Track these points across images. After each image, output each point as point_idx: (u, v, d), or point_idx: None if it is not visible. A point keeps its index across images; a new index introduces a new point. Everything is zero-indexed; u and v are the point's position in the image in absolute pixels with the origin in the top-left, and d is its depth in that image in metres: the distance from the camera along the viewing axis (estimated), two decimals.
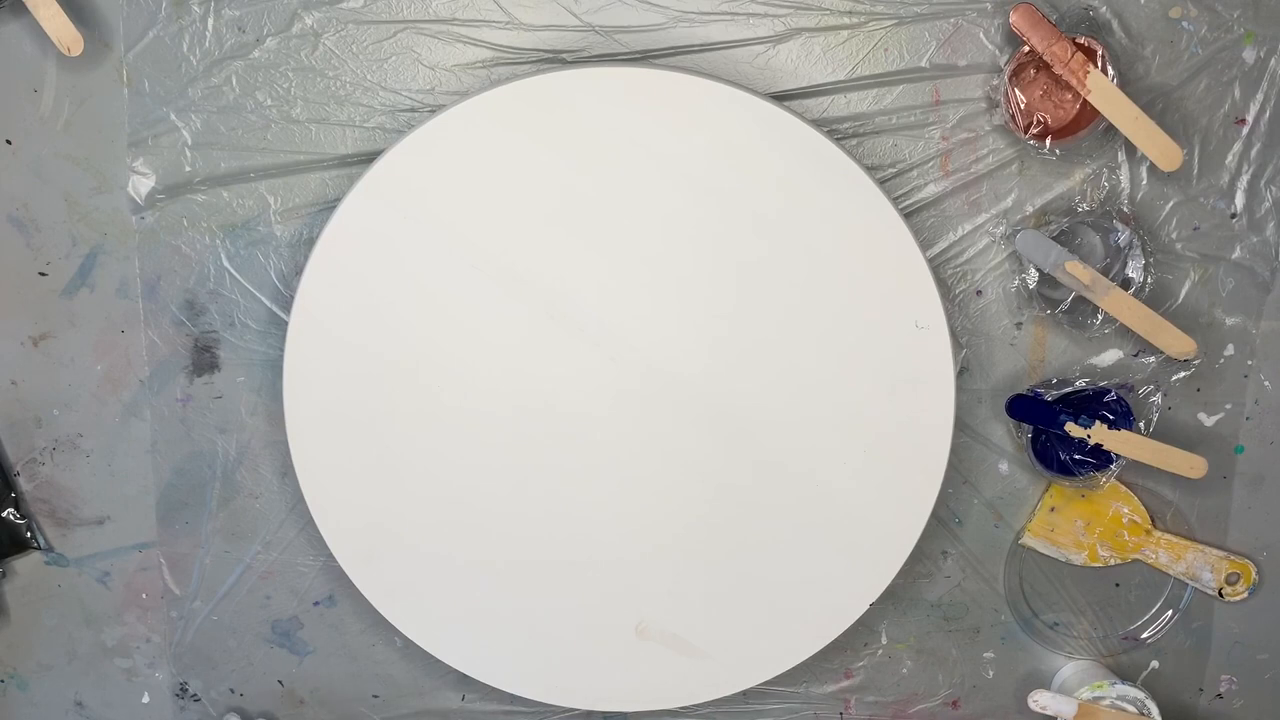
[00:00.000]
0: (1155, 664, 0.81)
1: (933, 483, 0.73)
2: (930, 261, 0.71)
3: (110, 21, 0.72)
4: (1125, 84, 0.70)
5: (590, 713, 0.81)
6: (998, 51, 0.72)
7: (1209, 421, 0.77)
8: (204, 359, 0.77)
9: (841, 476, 0.73)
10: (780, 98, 0.72)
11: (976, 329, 0.75)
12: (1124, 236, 0.72)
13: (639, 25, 0.72)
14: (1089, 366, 0.76)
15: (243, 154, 0.74)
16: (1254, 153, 0.73)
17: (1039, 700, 0.75)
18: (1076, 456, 0.75)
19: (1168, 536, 0.78)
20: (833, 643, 0.76)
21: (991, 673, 0.81)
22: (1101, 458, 0.75)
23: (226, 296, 0.76)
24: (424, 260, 0.70)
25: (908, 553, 0.74)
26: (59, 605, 0.81)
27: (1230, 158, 0.73)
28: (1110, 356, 0.75)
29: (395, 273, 0.70)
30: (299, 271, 0.73)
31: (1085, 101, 0.69)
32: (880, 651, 0.81)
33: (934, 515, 0.73)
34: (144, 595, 0.81)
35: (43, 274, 0.76)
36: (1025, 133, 0.70)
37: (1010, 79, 0.70)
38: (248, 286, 0.76)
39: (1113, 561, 0.78)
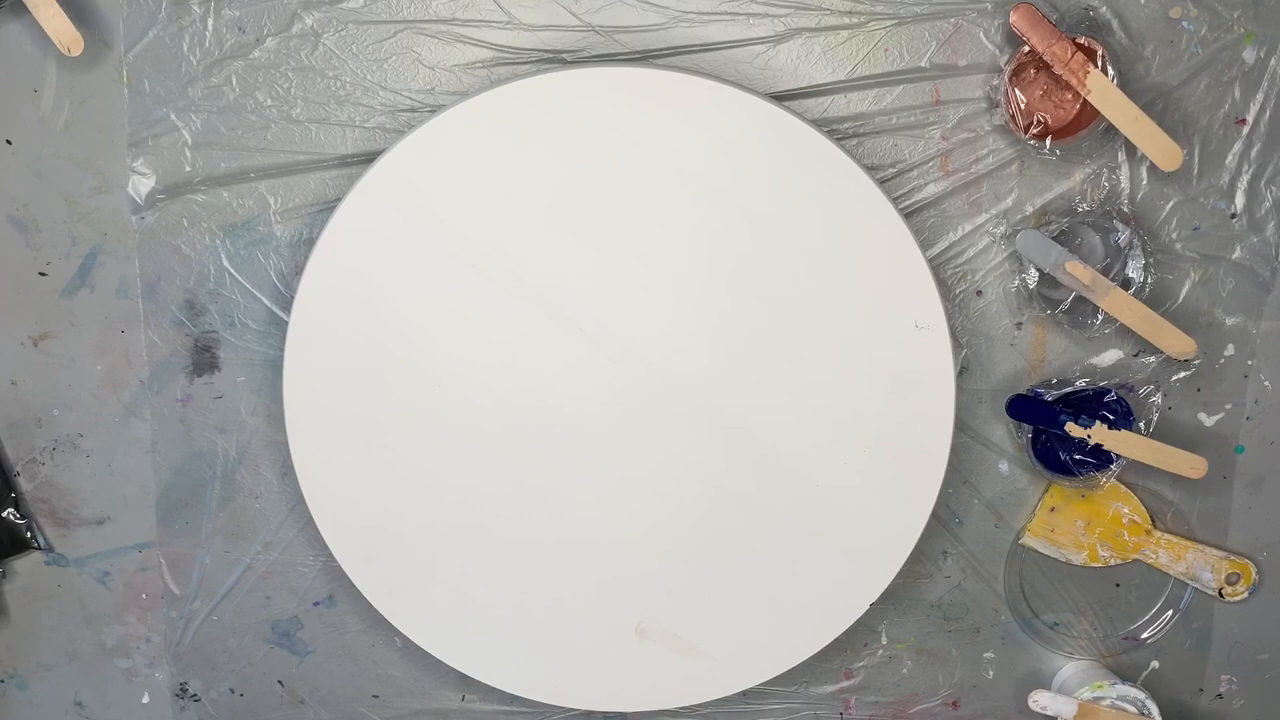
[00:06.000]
0: (1155, 664, 0.81)
1: (933, 483, 0.73)
2: (930, 261, 0.71)
3: (110, 21, 0.72)
4: (1125, 84, 0.70)
5: (590, 713, 0.81)
6: (998, 51, 0.72)
7: (1209, 421, 0.77)
8: (204, 359, 0.77)
9: (842, 476, 0.73)
10: (780, 98, 0.72)
11: (976, 329, 0.75)
12: (1124, 236, 0.72)
13: (639, 25, 0.72)
14: (1089, 366, 0.76)
15: (243, 154, 0.74)
16: (1254, 153, 0.73)
17: (1039, 700, 0.75)
18: (1076, 456, 0.75)
19: (1168, 536, 0.78)
20: (833, 643, 0.76)
21: (991, 673, 0.81)
22: (1101, 458, 0.75)
23: (226, 296, 0.76)
24: (424, 260, 0.70)
25: (908, 553, 0.74)
26: (59, 605, 0.81)
27: (1230, 158, 0.73)
28: (1110, 356, 0.75)
29: (395, 273, 0.70)
30: (299, 271, 0.73)
31: (1085, 101, 0.69)
32: (880, 651, 0.81)
33: (934, 515, 0.73)
34: (144, 595, 0.81)
35: (43, 274, 0.76)
36: (1025, 133, 0.70)
37: (1010, 79, 0.70)
38: (248, 286, 0.76)
39: (1113, 561, 0.78)
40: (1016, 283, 0.74)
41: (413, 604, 0.76)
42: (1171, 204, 0.73)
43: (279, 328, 0.76)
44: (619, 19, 0.72)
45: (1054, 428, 0.74)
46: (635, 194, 0.69)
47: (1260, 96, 0.72)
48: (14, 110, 0.73)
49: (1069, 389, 0.74)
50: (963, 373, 0.75)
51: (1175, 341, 0.73)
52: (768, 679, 0.77)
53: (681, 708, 0.80)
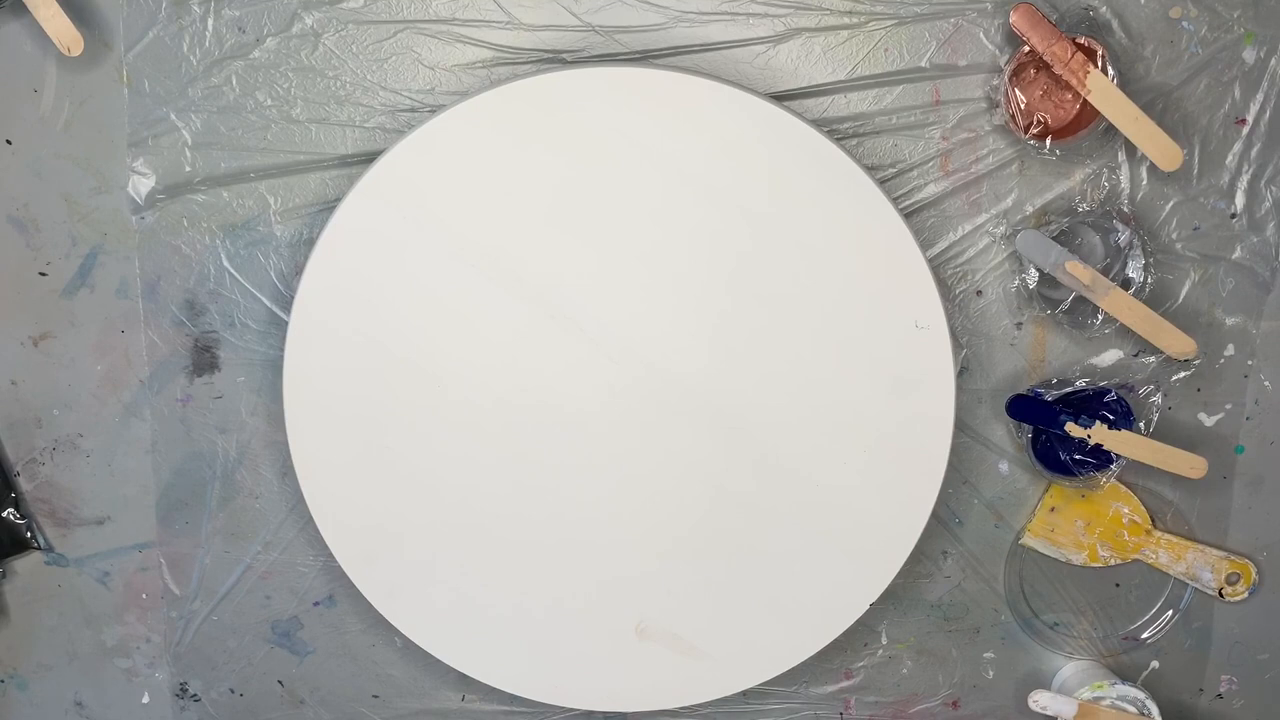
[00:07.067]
0: (1155, 664, 0.81)
1: (933, 483, 0.73)
2: (930, 261, 0.71)
3: (110, 21, 0.72)
4: (1125, 84, 0.70)
5: (590, 713, 0.81)
6: (998, 51, 0.72)
7: (1209, 421, 0.77)
8: (204, 359, 0.77)
9: (842, 476, 0.73)
10: (780, 98, 0.72)
11: (976, 329, 0.75)
12: (1124, 236, 0.72)
13: (639, 25, 0.72)
14: (1089, 366, 0.76)
15: (243, 154, 0.74)
16: (1254, 153, 0.73)
17: (1039, 700, 0.75)
18: (1076, 456, 0.75)
19: (1168, 536, 0.78)
20: (833, 643, 0.76)
21: (991, 673, 0.81)
22: (1101, 458, 0.75)
23: (226, 296, 0.76)
24: (424, 260, 0.70)
25: (908, 553, 0.74)
26: (59, 605, 0.81)
27: (1230, 158, 0.73)
28: (1110, 356, 0.75)
29: (395, 273, 0.70)
30: (299, 271, 0.73)
31: (1085, 101, 0.69)
32: (880, 651, 0.81)
33: (934, 515, 0.73)
34: (144, 595, 0.81)
35: (43, 274, 0.76)
36: (1025, 133, 0.70)
37: (1010, 79, 0.70)
38: (248, 286, 0.76)
39: (1113, 561, 0.78)
40: (1016, 283, 0.74)
41: (413, 604, 0.76)
42: (1171, 204, 0.73)
43: (279, 328, 0.76)
44: (619, 19, 0.72)
45: (1054, 428, 0.74)
46: (635, 194, 0.69)
47: (1260, 96, 0.72)
48: (14, 110, 0.73)
49: (1069, 389, 0.74)
50: (963, 373, 0.75)
51: (1175, 341, 0.73)
52: (768, 679, 0.77)
53: (681, 708, 0.80)
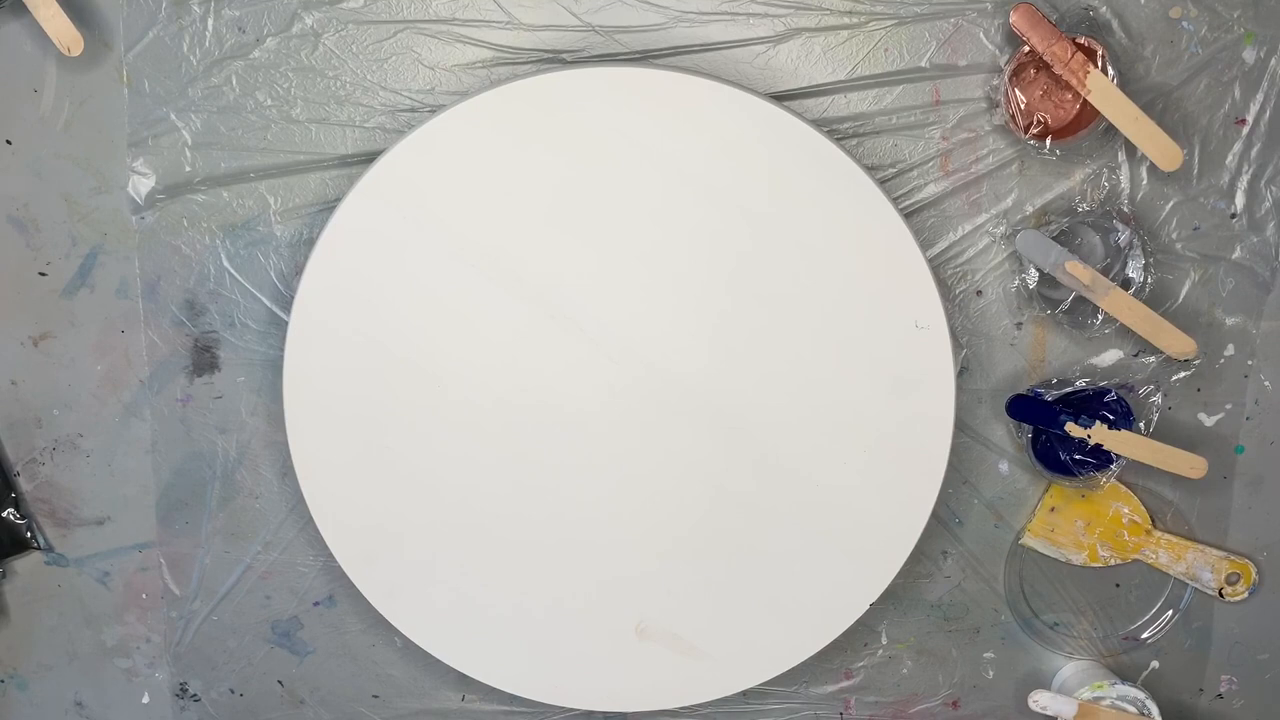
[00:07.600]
0: (1155, 664, 0.81)
1: (933, 483, 0.73)
2: (930, 261, 0.71)
3: (110, 21, 0.72)
4: (1125, 84, 0.70)
5: (590, 713, 0.81)
6: (998, 51, 0.72)
7: (1209, 421, 0.77)
8: (204, 359, 0.77)
9: (842, 476, 0.73)
10: (780, 98, 0.72)
11: (976, 329, 0.75)
12: (1124, 236, 0.72)
13: (639, 25, 0.72)
14: (1089, 366, 0.76)
15: (243, 154, 0.74)
16: (1254, 153, 0.73)
17: (1039, 700, 0.75)
18: (1076, 456, 0.75)
19: (1168, 536, 0.78)
20: (833, 643, 0.76)
21: (991, 673, 0.81)
22: (1101, 458, 0.75)
23: (226, 296, 0.76)
24: (424, 260, 0.70)
25: (908, 553, 0.74)
26: (59, 605, 0.81)
27: (1230, 158, 0.73)
28: (1110, 356, 0.75)
29: (395, 273, 0.70)
30: (299, 271, 0.73)
31: (1085, 101, 0.69)
32: (880, 651, 0.81)
33: (934, 515, 0.73)
34: (144, 595, 0.81)
35: (43, 274, 0.76)
36: (1025, 133, 0.70)
37: (1010, 79, 0.70)
38: (248, 286, 0.76)
39: (1113, 561, 0.78)
40: (1016, 283, 0.74)
41: (413, 604, 0.76)
42: (1171, 204, 0.73)
43: (279, 328, 0.76)
44: (619, 19, 0.72)
45: (1054, 428, 0.74)
46: (635, 194, 0.69)
47: (1260, 96, 0.72)
48: (14, 110, 0.73)
49: (1069, 389, 0.74)
50: (963, 373, 0.75)
51: (1175, 341, 0.73)
52: (768, 679, 0.77)
53: (681, 708, 0.80)
